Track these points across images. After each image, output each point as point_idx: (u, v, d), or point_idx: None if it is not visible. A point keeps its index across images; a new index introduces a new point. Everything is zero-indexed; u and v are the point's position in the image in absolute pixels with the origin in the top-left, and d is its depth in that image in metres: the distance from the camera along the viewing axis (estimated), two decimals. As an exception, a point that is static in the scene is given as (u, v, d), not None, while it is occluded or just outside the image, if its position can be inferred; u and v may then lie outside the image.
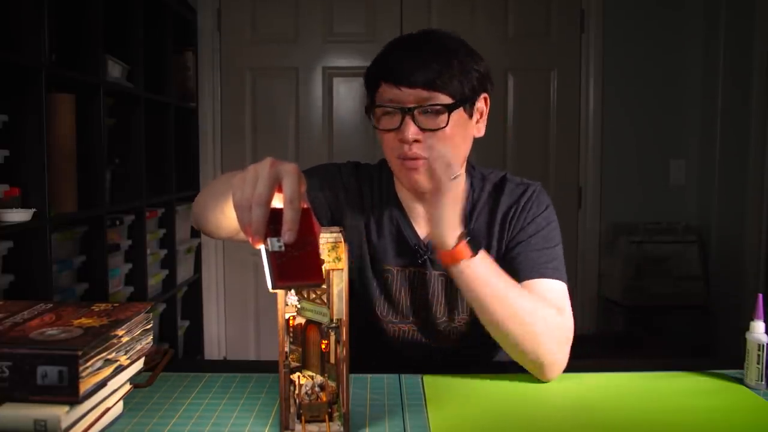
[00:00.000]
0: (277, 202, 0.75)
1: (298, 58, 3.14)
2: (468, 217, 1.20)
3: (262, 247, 0.74)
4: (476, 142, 1.19)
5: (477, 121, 1.16)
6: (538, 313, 1.04)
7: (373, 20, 3.12)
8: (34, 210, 1.64)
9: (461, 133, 1.12)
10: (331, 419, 0.87)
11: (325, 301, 0.86)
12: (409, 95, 1.07)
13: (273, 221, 0.73)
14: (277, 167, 0.75)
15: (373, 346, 1.23)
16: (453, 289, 1.19)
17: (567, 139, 3.16)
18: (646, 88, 3.14)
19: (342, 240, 0.85)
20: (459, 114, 1.10)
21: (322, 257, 0.85)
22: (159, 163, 2.62)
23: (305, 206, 0.76)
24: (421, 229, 1.21)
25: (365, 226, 1.22)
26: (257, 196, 0.73)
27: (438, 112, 1.08)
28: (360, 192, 1.24)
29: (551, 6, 3.12)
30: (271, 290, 0.74)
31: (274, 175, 0.74)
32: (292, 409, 0.87)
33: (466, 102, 1.11)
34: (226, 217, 0.94)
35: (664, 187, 3.18)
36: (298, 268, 0.74)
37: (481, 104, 1.16)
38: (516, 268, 1.13)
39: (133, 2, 2.34)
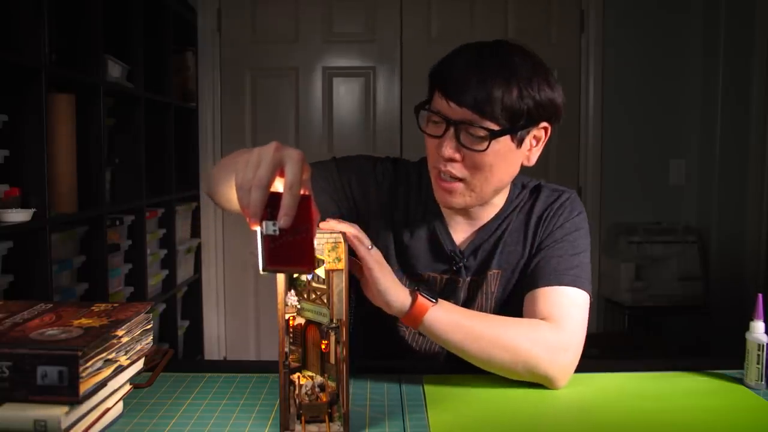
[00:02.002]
0: (279, 186, 0.75)
1: (298, 58, 3.14)
2: (504, 222, 1.18)
3: (258, 229, 0.75)
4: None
5: (530, 149, 1.10)
6: (519, 332, 1.02)
7: (373, 20, 3.12)
8: (34, 210, 1.64)
9: (502, 161, 1.07)
10: (331, 420, 0.87)
11: (325, 301, 0.86)
12: (455, 112, 1.03)
13: (272, 205, 0.74)
14: (281, 152, 0.75)
15: (387, 347, 1.22)
16: (478, 292, 1.18)
17: (567, 139, 3.16)
18: (646, 88, 3.14)
19: (342, 240, 0.85)
20: (503, 142, 1.04)
21: (322, 257, 0.85)
22: (159, 163, 2.62)
23: (305, 193, 0.76)
24: (458, 235, 1.18)
25: (396, 226, 1.19)
26: (257, 179, 0.73)
27: (481, 137, 1.03)
28: (394, 191, 1.20)
29: (551, 6, 3.12)
30: (261, 272, 0.76)
31: (277, 160, 0.74)
32: (292, 410, 0.88)
33: (514, 132, 1.04)
34: (234, 193, 0.95)
35: (664, 187, 3.18)
36: (291, 253, 0.75)
37: (539, 133, 1.09)
38: (537, 274, 1.11)
39: (133, 2, 2.35)
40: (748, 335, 1.04)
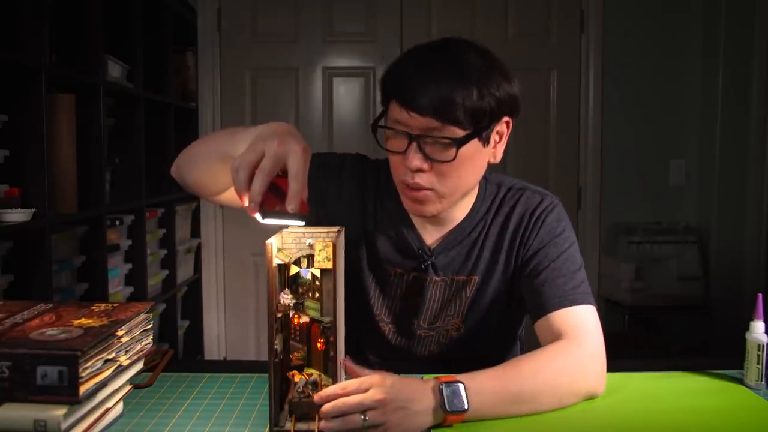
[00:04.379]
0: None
1: (298, 58, 3.14)
2: (479, 224, 1.16)
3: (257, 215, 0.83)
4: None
5: (495, 146, 1.08)
6: (559, 370, 0.97)
7: (373, 20, 3.12)
8: (34, 210, 1.64)
9: (471, 163, 1.04)
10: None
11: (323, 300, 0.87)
12: (417, 121, 0.99)
13: (272, 189, 0.82)
14: (285, 148, 0.82)
15: (369, 343, 1.23)
16: (450, 294, 1.17)
17: (567, 139, 3.16)
18: (646, 88, 3.13)
19: (332, 241, 0.85)
20: (471, 145, 1.02)
21: (312, 253, 0.86)
22: (159, 163, 2.61)
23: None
24: (426, 233, 1.17)
25: (364, 222, 1.18)
26: (260, 168, 0.81)
27: (446, 144, 1.00)
28: (362, 186, 1.19)
29: (551, 6, 3.12)
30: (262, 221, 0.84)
31: (281, 155, 0.81)
32: (287, 407, 0.88)
33: (479, 134, 1.01)
34: (215, 181, 1.00)
35: (664, 187, 3.18)
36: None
37: (502, 128, 1.07)
38: (545, 297, 1.08)
39: (133, 2, 2.34)
40: (748, 335, 1.04)
